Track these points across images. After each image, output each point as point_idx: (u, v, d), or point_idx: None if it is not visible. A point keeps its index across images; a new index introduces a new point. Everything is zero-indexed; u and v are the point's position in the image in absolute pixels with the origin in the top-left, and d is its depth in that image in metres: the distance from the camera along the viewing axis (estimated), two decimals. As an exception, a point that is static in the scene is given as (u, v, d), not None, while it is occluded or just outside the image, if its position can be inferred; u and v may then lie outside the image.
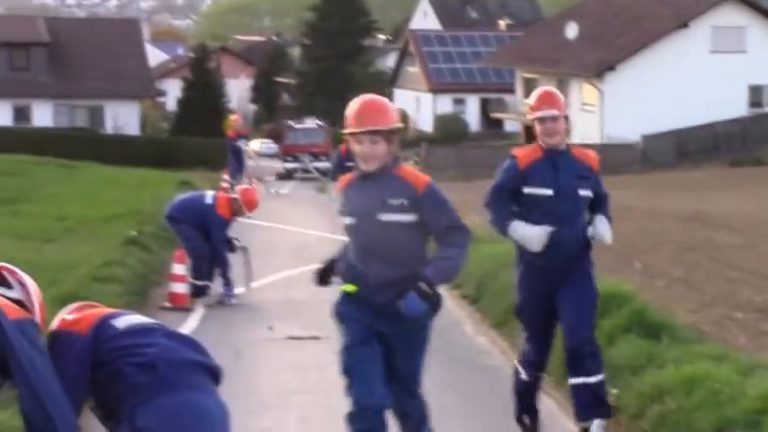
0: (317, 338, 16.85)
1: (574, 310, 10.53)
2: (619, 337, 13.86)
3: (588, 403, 10.04)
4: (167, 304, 19.58)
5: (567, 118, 10.63)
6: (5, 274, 6.93)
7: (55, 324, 7.00)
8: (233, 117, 48.75)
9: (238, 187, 22.28)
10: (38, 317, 6.83)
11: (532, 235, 10.70)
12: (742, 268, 21.45)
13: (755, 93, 76.20)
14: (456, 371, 15.52)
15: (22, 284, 6.91)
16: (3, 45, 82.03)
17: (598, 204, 11.08)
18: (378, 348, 9.31)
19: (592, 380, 10.07)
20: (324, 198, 45.07)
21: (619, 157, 67.79)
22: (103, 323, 6.93)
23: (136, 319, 7.19)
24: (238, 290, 20.23)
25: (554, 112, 10.61)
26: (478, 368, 15.91)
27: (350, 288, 9.30)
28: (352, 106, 9.26)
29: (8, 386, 6.57)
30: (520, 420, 10.59)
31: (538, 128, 10.61)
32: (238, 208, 20.65)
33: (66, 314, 7.06)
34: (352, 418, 9.25)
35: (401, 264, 9.16)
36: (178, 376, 6.74)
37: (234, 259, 20.73)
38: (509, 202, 10.91)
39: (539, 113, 10.57)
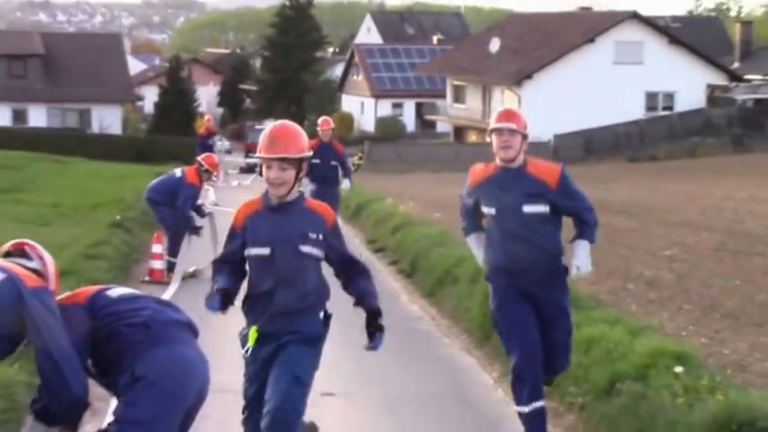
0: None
1: (552, 350, 9.61)
2: None
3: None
4: (147, 278, 19.67)
5: (525, 137, 9.46)
6: (26, 248, 7.11)
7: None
8: (207, 117, 48.79)
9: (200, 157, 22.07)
10: (52, 286, 6.96)
11: (475, 254, 10.26)
12: (635, 247, 21.58)
13: (651, 98, 76.26)
14: (392, 334, 15.67)
15: (41, 257, 7.06)
16: (2, 56, 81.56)
17: (577, 223, 9.82)
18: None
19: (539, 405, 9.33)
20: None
21: (533, 153, 65.93)
22: (97, 295, 7.10)
23: (125, 290, 7.40)
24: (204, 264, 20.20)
25: (512, 125, 9.39)
26: (410, 331, 15.80)
27: (252, 334, 8.18)
28: (265, 132, 8.19)
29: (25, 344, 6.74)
30: None
31: (494, 141, 9.43)
32: (204, 172, 20.74)
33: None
34: None
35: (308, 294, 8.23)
36: (167, 333, 6.97)
37: (204, 225, 20.76)
38: (471, 215, 10.01)
39: (496, 125, 9.40)
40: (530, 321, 9.55)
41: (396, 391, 12.46)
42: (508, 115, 9.67)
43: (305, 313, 8.15)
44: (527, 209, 9.29)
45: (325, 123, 22.60)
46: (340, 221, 18.56)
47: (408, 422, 11.24)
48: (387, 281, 19.99)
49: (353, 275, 8.44)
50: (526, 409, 9.49)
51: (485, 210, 9.60)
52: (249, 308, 8.25)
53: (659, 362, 10.44)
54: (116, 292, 7.24)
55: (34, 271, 6.94)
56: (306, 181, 19.66)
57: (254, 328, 8.14)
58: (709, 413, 8.72)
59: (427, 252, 20.16)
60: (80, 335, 6.82)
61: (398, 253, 22.31)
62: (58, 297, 7.11)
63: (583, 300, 14.16)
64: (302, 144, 8.07)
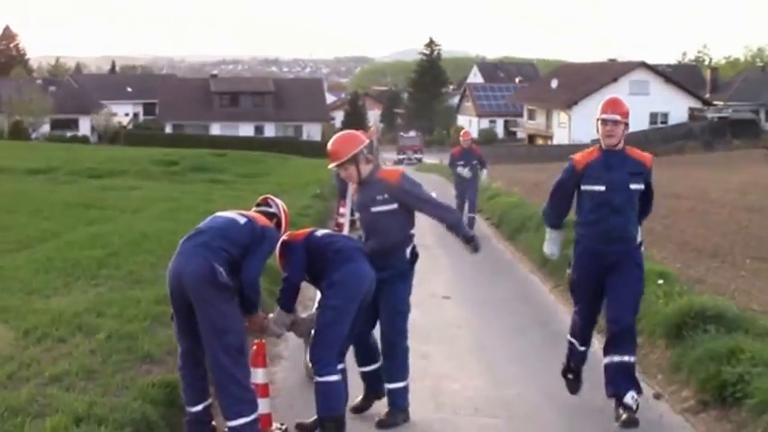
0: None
1: (620, 298, 7.05)
2: (570, 244, 13.81)
3: (624, 379, 6.86)
4: (335, 229, 19.79)
5: (626, 125, 7.31)
6: (269, 200, 6.95)
7: (284, 236, 6.91)
8: (375, 128, 48.93)
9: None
10: (283, 226, 6.82)
11: (547, 246, 7.85)
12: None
13: (653, 116, 74.37)
14: (487, 262, 15.77)
15: (277, 205, 6.88)
16: (249, 93, 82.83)
17: (646, 197, 7.42)
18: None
19: (627, 359, 6.90)
20: (413, 171, 45.06)
21: (579, 151, 67.41)
22: (310, 235, 6.95)
23: (325, 231, 7.28)
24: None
25: (616, 116, 7.24)
26: (497, 260, 15.75)
27: None
28: (329, 145, 7.25)
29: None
30: (564, 376, 7.73)
31: (600, 129, 7.33)
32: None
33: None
34: None
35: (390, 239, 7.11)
36: (351, 255, 6.78)
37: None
38: (563, 202, 7.50)
39: (602, 116, 7.33)
40: (598, 302, 7.37)
41: (485, 295, 12.46)
42: (614, 105, 7.36)
43: (392, 253, 7.06)
44: (633, 186, 7.13)
45: (465, 135, 20.49)
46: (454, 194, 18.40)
47: (492, 315, 11.16)
48: (483, 228, 19.92)
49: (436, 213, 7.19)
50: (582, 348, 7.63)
51: (590, 188, 7.16)
52: None
53: (649, 277, 10.05)
54: (320, 232, 7.09)
55: (273, 215, 6.80)
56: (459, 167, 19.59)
57: None
58: (677, 307, 8.73)
59: (509, 212, 20.19)
60: (299, 259, 6.75)
61: (491, 212, 22.22)
62: (288, 234, 6.98)
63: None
64: (345, 150, 7.08)
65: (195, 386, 6.42)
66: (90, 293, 9.96)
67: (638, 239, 7.30)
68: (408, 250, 7.14)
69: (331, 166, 7.20)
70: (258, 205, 6.94)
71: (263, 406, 6.51)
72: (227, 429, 6.25)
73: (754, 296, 10.27)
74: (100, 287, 10.37)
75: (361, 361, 7.28)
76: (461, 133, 20.82)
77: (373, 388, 7.29)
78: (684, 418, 7.11)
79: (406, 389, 7.09)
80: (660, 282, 9.94)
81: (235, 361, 6.13)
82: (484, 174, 20.22)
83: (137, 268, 11.41)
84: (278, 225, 6.79)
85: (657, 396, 7.63)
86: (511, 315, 11.06)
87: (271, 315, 6.88)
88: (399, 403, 7.06)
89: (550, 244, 7.86)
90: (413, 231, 7.20)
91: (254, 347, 6.72)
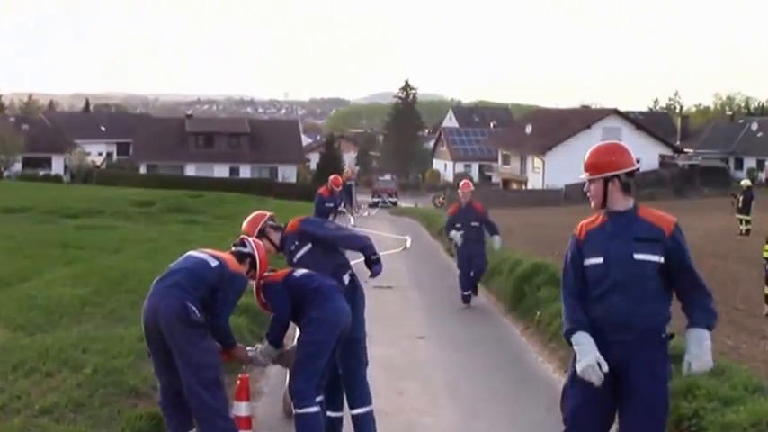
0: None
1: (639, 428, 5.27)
2: (543, 286, 13.94)
3: None
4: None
5: (615, 179, 5.65)
6: (244, 240, 7.19)
7: (265, 276, 7.15)
8: (350, 170, 48.99)
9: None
10: (259, 266, 7.04)
11: (582, 364, 5.22)
12: None
13: (625, 163, 75.67)
14: (456, 305, 16.07)
15: (252, 245, 7.12)
16: (225, 134, 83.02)
17: (680, 274, 5.44)
18: None
19: None
20: (388, 215, 45.41)
21: (552, 196, 68.27)
22: (289, 275, 7.18)
23: (303, 271, 7.32)
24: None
25: (585, 174, 5.73)
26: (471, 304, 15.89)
27: None
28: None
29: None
30: None
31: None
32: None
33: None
34: None
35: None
36: (328, 293, 7.02)
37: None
38: (576, 284, 5.46)
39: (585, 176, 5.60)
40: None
41: (459, 336, 12.80)
42: (588, 158, 5.80)
43: None
44: (639, 256, 5.32)
45: (465, 186, 15.78)
46: (429, 236, 18.29)
47: (465, 355, 11.49)
48: (456, 272, 20.20)
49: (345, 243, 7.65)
50: None
51: (589, 261, 5.48)
52: None
53: None
54: (298, 272, 7.25)
55: (247, 255, 7.02)
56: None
57: None
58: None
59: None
60: (283, 295, 7.02)
61: None
62: (268, 274, 7.18)
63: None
64: (250, 228, 7.58)
65: (177, 418, 6.69)
66: (74, 330, 10.20)
67: (664, 332, 5.44)
68: (346, 278, 7.36)
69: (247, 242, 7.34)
70: (235, 245, 7.15)
71: (246, 438, 6.80)
72: None
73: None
74: (83, 324, 10.61)
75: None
76: (460, 185, 16.00)
77: None
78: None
79: (370, 413, 7.26)
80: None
81: (212, 393, 6.40)
82: (496, 242, 15.58)
83: (118, 306, 11.69)
84: (252, 264, 7.01)
85: (622, 430, 8.00)
86: (483, 355, 11.42)
87: (258, 346, 7.21)
88: (367, 430, 7.26)
89: (584, 354, 5.26)
90: (343, 261, 7.49)
91: (238, 382, 7.07)
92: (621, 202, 5.61)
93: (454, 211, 15.86)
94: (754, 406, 7.17)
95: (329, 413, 7.29)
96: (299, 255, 7.46)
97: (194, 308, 6.35)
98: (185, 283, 6.45)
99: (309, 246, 7.43)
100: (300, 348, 6.99)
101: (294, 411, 6.90)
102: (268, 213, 7.78)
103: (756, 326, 11.82)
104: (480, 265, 15.48)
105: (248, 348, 7.22)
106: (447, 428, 8.15)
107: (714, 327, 5.50)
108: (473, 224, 15.31)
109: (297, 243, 7.47)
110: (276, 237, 7.58)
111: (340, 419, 7.40)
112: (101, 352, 8.95)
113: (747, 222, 30.78)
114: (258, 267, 7.08)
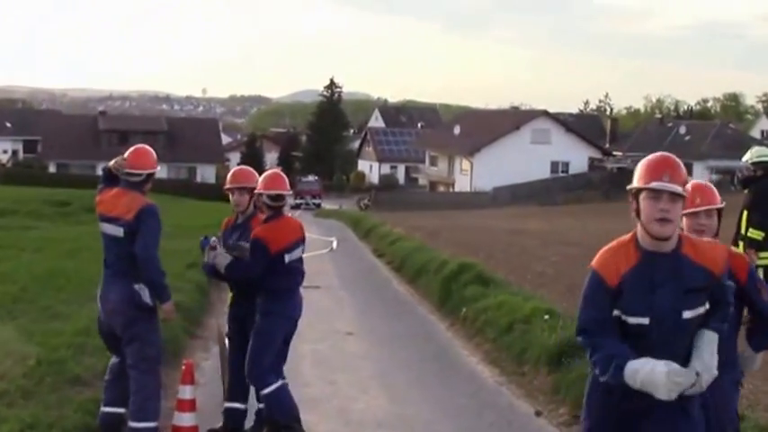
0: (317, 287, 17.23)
1: None
2: (470, 285, 15.02)
3: None
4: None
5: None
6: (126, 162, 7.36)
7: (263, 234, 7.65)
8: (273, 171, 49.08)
9: None
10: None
11: (655, 379, 4.20)
12: (536, 255, 22.27)
13: (554, 165, 76.62)
14: (388, 304, 17.00)
15: (141, 157, 7.39)
16: (141, 132, 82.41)
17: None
18: None
19: None
20: (312, 217, 46.05)
21: (480, 198, 69.73)
22: (283, 254, 7.75)
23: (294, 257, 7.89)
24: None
25: (675, 187, 4.27)
26: (398, 302, 16.97)
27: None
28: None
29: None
30: None
31: (643, 207, 4.30)
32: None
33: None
34: None
35: None
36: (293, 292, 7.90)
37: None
38: (606, 333, 4.40)
39: (653, 183, 4.26)
40: None
41: (387, 332, 13.68)
42: (672, 168, 4.33)
43: None
44: (688, 314, 4.36)
45: None
46: (356, 238, 19.23)
47: (393, 349, 12.37)
48: (384, 273, 21.25)
49: None
50: None
51: (630, 320, 4.41)
52: None
53: (537, 313, 11.82)
54: (288, 257, 7.74)
55: (139, 177, 7.29)
56: None
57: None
58: (559, 339, 10.24)
59: (410, 255, 21.17)
60: (264, 262, 7.55)
61: (392, 256, 23.15)
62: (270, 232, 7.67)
63: (500, 282, 15.44)
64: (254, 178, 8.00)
65: (115, 391, 7.33)
66: (10, 325, 10.82)
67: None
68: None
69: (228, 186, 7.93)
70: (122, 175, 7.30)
71: (190, 419, 7.59)
72: (128, 429, 7.14)
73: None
74: (18, 320, 11.25)
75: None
76: None
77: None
78: (560, 431, 8.52)
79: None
80: (546, 317, 11.41)
81: (151, 370, 7.15)
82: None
83: (52, 303, 12.36)
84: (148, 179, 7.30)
85: (538, 413, 9.05)
86: (410, 348, 12.34)
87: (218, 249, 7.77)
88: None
89: (653, 374, 4.24)
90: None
91: (184, 367, 7.88)
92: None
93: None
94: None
95: (237, 405, 7.98)
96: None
97: (141, 286, 7.04)
98: (122, 266, 7.09)
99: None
100: (254, 340, 7.65)
101: (261, 393, 7.66)
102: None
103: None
104: None
105: (213, 239, 7.79)
106: (377, 413, 9.05)
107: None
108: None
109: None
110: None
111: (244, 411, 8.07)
112: (41, 344, 9.63)
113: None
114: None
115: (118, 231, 7.11)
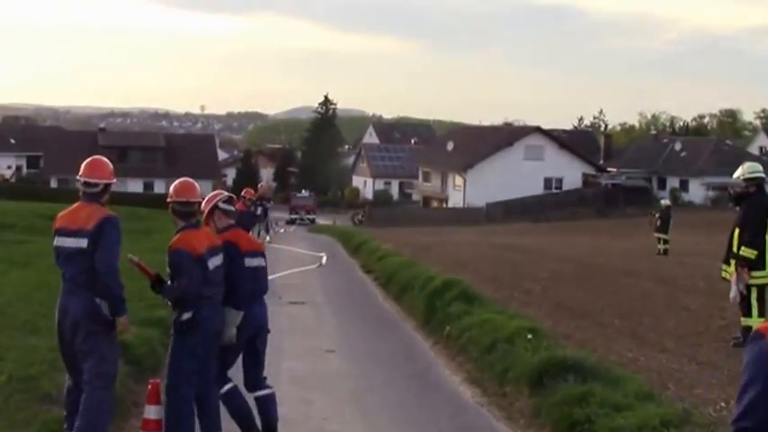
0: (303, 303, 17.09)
1: None
2: (454, 302, 14.77)
3: None
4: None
5: None
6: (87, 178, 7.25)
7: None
8: (267, 186, 48.72)
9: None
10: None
11: None
12: (525, 272, 21.98)
13: (547, 182, 76.81)
14: (372, 319, 16.71)
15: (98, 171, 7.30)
16: (139, 148, 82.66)
17: None
18: None
19: None
20: (307, 233, 45.77)
21: (473, 214, 69.50)
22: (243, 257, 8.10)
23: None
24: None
25: None
26: (382, 318, 16.74)
27: None
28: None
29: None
30: None
31: None
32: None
33: None
34: None
35: None
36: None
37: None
38: None
39: None
40: None
41: (369, 349, 13.42)
42: None
43: None
44: None
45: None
46: (345, 254, 19.07)
47: (373, 367, 12.08)
48: (371, 288, 21.00)
49: None
50: None
51: None
52: None
53: (521, 332, 11.47)
54: (249, 262, 8.12)
55: (96, 187, 7.18)
56: None
57: None
58: (541, 358, 9.92)
59: (397, 272, 20.89)
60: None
61: (380, 272, 22.89)
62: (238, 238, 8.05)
63: (486, 300, 15.15)
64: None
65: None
66: (-14, 341, 10.57)
67: None
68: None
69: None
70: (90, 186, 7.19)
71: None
72: None
73: (613, 350, 11.49)
74: (-3, 335, 10.97)
75: None
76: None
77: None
78: (538, 455, 8.23)
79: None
80: (529, 336, 11.12)
81: (106, 387, 7.01)
82: None
83: (32, 318, 12.06)
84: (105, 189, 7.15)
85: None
86: (391, 367, 12.06)
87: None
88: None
89: None
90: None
91: (150, 387, 7.59)
92: None
93: None
94: (643, 411, 7.91)
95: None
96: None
97: (101, 300, 6.94)
98: (81, 279, 6.95)
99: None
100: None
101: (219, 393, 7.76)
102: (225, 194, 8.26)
103: (657, 340, 12.60)
104: None
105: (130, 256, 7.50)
106: (351, 436, 8.76)
107: None
108: None
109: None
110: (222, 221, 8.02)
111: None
112: (15, 360, 9.37)
113: (666, 242, 31.63)
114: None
115: (81, 243, 6.95)
